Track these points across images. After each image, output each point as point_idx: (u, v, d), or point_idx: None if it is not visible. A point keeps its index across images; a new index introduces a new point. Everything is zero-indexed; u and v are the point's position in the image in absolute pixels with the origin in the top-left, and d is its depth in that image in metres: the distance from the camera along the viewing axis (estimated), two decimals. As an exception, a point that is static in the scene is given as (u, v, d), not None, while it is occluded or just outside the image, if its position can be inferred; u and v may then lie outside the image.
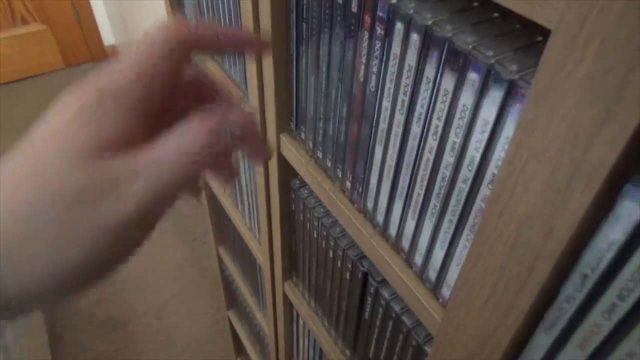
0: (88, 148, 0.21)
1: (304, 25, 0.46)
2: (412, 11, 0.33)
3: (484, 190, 0.32)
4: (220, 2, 0.63)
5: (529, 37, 0.30)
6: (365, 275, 0.53)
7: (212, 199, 1.05)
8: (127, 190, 0.21)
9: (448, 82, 0.32)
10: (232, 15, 0.61)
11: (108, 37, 2.93)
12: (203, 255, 1.98)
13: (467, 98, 0.30)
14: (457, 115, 0.32)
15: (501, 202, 0.29)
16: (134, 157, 0.22)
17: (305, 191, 0.61)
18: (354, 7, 0.38)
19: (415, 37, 0.33)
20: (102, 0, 2.77)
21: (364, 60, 0.39)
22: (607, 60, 0.20)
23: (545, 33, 0.23)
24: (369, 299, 0.54)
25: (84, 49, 2.87)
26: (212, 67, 0.70)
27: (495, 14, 0.32)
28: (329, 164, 0.51)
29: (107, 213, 0.21)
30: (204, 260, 1.95)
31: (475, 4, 0.33)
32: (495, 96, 0.28)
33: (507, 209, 0.28)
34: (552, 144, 0.24)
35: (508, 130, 0.28)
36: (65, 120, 0.22)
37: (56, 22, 2.71)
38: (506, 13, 0.32)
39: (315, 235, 0.62)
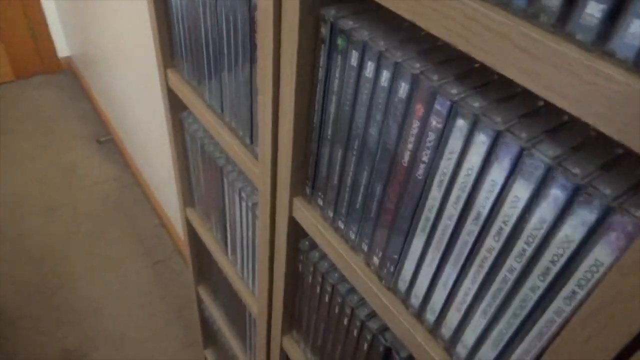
0: None
1: (334, 97, 0.43)
2: (478, 112, 0.30)
3: (559, 303, 0.30)
4: (226, 30, 0.58)
5: (611, 149, 0.28)
6: (389, 350, 0.51)
7: (194, 238, 0.99)
8: None
9: (521, 191, 0.30)
10: (239, 53, 0.57)
11: (63, 48, 2.78)
12: (168, 280, 1.89)
13: (545, 212, 0.29)
14: (531, 226, 0.30)
15: (589, 329, 0.27)
16: None
17: (317, 254, 0.58)
18: (402, 94, 0.35)
19: (483, 139, 0.31)
20: (56, 11, 2.62)
21: (410, 147, 0.37)
22: None
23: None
24: (391, 374, 0.52)
25: (37, 61, 2.70)
26: (208, 116, 0.66)
27: (566, 117, 0.31)
28: (352, 237, 0.49)
29: None
30: (170, 286, 1.86)
31: (541, 103, 0.32)
32: (584, 219, 0.27)
33: (596, 338, 0.27)
34: None
35: (599, 253, 0.27)
36: None
37: (7, 34, 2.53)
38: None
39: (326, 300, 0.59)
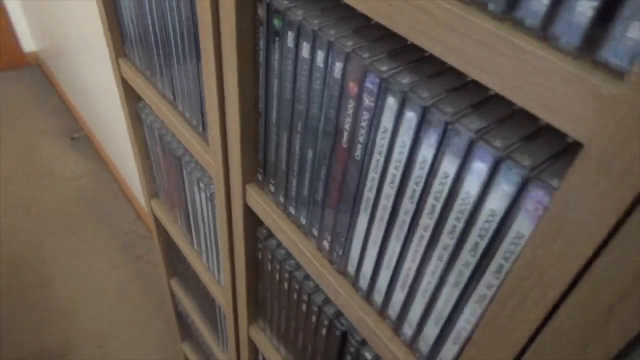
0: None
1: (276, 81, 0.42)
2: (406, 88, 0.30)
3: (490, 279, 0.30)
4: (170, 18, 0.57)
5: (534, 122, 0.28)
6: (345, 333, 0.51)
7: (161, 230, 0.98)
8: None
9: (448, 166, 0.30)
10: (185, 39, 0.55)
11: (28, 43, 2.71)
12: (149, 275, 1.87)
13: (470, 186, 0.29)
14: (459, 201, 0.30)
15: (513, 300, 0.27)
16: None
17: (274, 242, 0.58)
18: (337, 74, 0.35)
19: (411, 115, 0.30)
20: (20, 4, 2.55)
21: (348, 127, 0.36)
22: None
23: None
24: (349, 357, 0.52)
25: (1, 56, 2.63)
26: (161, 106, 0.64)
27: (491, 92, 0.31)
28: (303, 221, 0.48)
29: None
30: (151, 281, 1.85)
31: (469, 79, 0.31)
32: (505, 190, 0.27)
33: (519, 309, 0.27)
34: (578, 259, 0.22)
35: (520, 225, 0.27)
36: None
37: (-31, 29, 2.46)
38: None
39: (285, 287, 0.58)
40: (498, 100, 0.30)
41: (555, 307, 0.24)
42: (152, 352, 1.63)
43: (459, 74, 0.32)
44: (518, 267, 0.26)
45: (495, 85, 0.24)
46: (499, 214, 0.28)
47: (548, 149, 0.26)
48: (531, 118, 0.29)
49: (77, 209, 2.08)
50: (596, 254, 0.22)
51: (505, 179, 0.26)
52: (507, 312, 0.28)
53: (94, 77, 1.83)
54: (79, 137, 2.37)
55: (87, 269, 1.86)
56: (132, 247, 1.97)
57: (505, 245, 0.28)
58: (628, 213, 0.20)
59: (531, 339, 0.27)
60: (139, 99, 0.75)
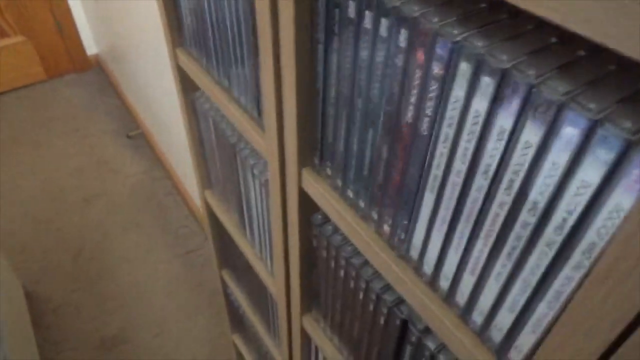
0: None
1: (335, 56, 0.41)
2: (482, 51, 0.28)
3: (578, 258, 0.27)
4: (227, 5, 0.57)
5: (632, 83, 0.25)
6: (405, 322, 0.49)
7: (215, 221, 0.99)
8: None
9: (531, 135, 0.27)
10: (241, 24, 0.55)
11: (90, 46, 2.84)
12: (200, 268, 1.92)
13: (559, 155, 0.26)
14: (545, 172, 0.27)
15: (608, 283, 0.24)
16: None
17: (330, 228, 0.56)
18: (402, 42, 0.33)
19: (487, 81, 0.28)
20: (82, 8, 2.68)
21: (413, 100, 0.34)
22: None
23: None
24: (409, 347, 0.49)
25: (67, 60, 2.77)
26: (217, 93, 0.64)
27: (581, 52, 0.28)
28: (362, 205, 0.46)
29: None
30: (202, 274, 1.89)
31: (553, 39, 0.29)
32: (600, 158, 0.24)
33: (615, 293, 0.24)
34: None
35: (619, 197, 0.24)
36: None
37: (37, 34, 2.61)
38: (593, 52, 0.28)
39: (342, 275, 0.57)
40: (587, 62, 0.27)
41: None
42: (204, 342, 1.67)
43: (538, 36, 0.29)
44: (616, 245, 0.23)
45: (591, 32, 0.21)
46: (593, 185, 0.25)
47: (653, 109, 0.23)
48: (627, 80, 0.25)
49: (135, 204, 2.16)
50: None
51: (603, 145, 0.24)
52: (599, 296, 0.25)
53: (151, 77, 1.90)
54: (136, 135, 2.47)
55: (144, 261, 1.93)
56: (185, 242, 2.02)
57: (600, 220, 0.25)
58: None
59: (630, 328, 0.24)
60: (194, 88, 0.76)
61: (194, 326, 1.73)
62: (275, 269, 0.71)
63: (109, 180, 2.26)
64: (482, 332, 0.37)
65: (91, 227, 2.05)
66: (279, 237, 0.64)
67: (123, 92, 2.59)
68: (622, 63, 0.26)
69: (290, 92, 0.46)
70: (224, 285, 1.14)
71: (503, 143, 0.29)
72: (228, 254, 1.04)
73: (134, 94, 2.38)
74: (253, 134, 0.58)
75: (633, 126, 0.23)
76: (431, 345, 0.46)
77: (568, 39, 0.28)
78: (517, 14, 0.31)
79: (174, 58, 0.71)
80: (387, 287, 0.50)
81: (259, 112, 0.57)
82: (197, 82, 0.69)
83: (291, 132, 0.49)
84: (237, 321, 1.24)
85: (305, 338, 0.76)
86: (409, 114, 0.35)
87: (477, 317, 0.37)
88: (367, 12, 0.35)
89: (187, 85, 0.75)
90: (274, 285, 0.77)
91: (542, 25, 0.30)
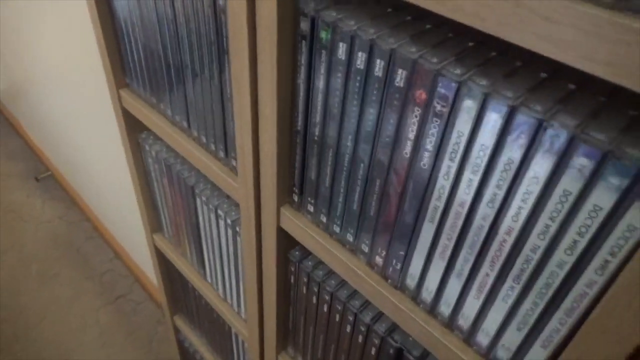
0: None
1: (320, 95, 0.41)
2: (489, 90, 0.30)
3: (591, 275, 0.29)
4: (187, 37, 0.55)
5: (626, 116, 0.28)
6: (400, 351, 0.49)
7: (165, 265, 0.94)
8: None
9: (540, 167, 0.29)
10: (205, 64, 0.53)
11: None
12: (132, 313, 1.79)
13: (570, 184, 0.28)
14: (553, 200, 0.29)
15: (629, 297, 0.26)
16: None
17: (310, 263, 0.56)
18: (399, 82, 0.34)
19: (494, 117, 0.30)
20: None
21: (411, 136, 0.35)
22: None
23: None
24: (404, 375, 0.50)
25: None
26: (172, 133, 0.62)
27: (571, 86, 0.30)
28: (351, 239, 0.47)
29: None
30: (136, 319, 1.76)
31: (544, 75, 0.31)
32: (613, 184, 0.26)
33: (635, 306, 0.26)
34: None
35: (632, 216, 0.26)
36: None
37: None
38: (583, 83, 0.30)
39: (325, 309, 0.56)
40: (581, 94, 0.30)
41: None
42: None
43: (532, 72, 0.31)
44: (634, 262, 0.25)
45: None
46: (605, 208, 0.27)
47: (653, 138, 0.26)
48: (623, 109, 0.28)
49: (51, 253, 1.98)
50: None
51: (614, 172, 0.26)
52: (621, 309, 0.27)
53: (63, 113, 1.76)
54: (45, 177, 2.27)
55: (67, 315, 1.77)
56: (112, 287, 1.89)
57: (612, 240, 0.28)
58: None
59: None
60: (141, 129, 0.72)
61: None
62: (248, 309, 0.68)
63: (18, 230, 2.05)
64: (489, 352, 0.39)
65: (3, 283, 1.84)
66: (252, 277, 0.62)
67: (25, 132, 2.38)
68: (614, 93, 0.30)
69: (269, 133, 0.45)
70: (176, 330, 1.08)
71: (511, 174, 0.31)
72: (181, 298, 0.99)
73: (40, 133, 2.20)
74: (221, 176, 0.56)
75: (641, 154, 0.25)
76: (429, 370, 0.47)
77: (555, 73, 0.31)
78: (506, 51, 0.33)
79: (118, 100, 0.67)
80: (378, 317, 0.50)
81: (226, 152, 0.56)
82: (147, 123, 0.65)
83: (270, 174, 0.48)
84: (191, 367, 1.17)
85: (281, 378, 0.73)
86: (407, 149, 0.36)
87: (483, 338, 0.39)
88: (359, 54, 0.35)
89: (132, 127, 0.71)
90: (244, 326, 0.74)
91: (530, 61, 0.32)
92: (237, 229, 0.62)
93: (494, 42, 0.33)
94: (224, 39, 0.46)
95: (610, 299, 0.27)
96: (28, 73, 1.92)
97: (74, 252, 2.00)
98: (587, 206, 0.28)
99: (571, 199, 0.28)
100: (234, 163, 0.54)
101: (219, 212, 0.64)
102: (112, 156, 1.43)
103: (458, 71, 0.31)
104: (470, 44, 0.34)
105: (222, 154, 0.56)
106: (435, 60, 0.32)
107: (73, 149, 1.87)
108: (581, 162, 0.27)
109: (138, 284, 1.89)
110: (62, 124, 1.84)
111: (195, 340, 1.00)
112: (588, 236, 0.29)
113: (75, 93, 1.52)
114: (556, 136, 0.27)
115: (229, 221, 0.63)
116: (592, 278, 0.30)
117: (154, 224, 0.85)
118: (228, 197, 0.64)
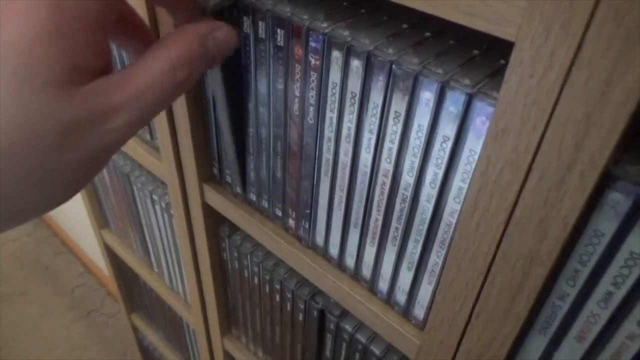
0: (63, 77, 0.18)
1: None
2: (349, 39, 0.32)
3: (452, 205, 0.32)
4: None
5: (468, 53, 0.31)
6: (322, 312, 0.51)
7: (116, 261, 0.94)
8: (112, 126, 0.20)
9: (398, 105, 0.31)
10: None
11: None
12: (105, 326, 1.77)
13: (422, 118, 0.31)
14: (413, 135, 0.32)
15: (477, 214, 0.29)
16: (115, 87, 0.20)
17: (238, 237, 0.57)
18: (280, 41, 0.36)
19: (357, 64, 0.32)
20: None
21: (297, 93, 0.38)
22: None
23: (476, 44, 0.23)
24: (329, 336, 0.52)
25: None
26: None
27: (427, 34, 0.33)
28: (266, 205, 0.49)
29: (90, 150, 0.20)
30: (109, 332, 1.75)
31: (405, 26, 0.34)
32: (452, 112, 0.29)
33: (484, 219, 0.29)
34: (528, 151, 0.24)
35: (471, 143, 0.29)
36: (23, 41, 0.18)
37: None
38: (436, 34, 0.33)
39: (256, 282, 0.58)
40: (433, 40, 0.32)
41: (515, 204, 0.26)
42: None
43: (388, 22, 0.34)
44: (475, 181, 0.28)
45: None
46: (451, 138, 0.30)
47: (485, 70, 0.29)
48: (469, 49, 0.31)
49: (18, 272, 1.95)
50: (540, 143, 0.24)
51: (451, 101, 0.28)
52: (473, 227, 0.29)
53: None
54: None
55: (36, 333, 1.74)
56: (84, 301, 1.86)
57: (462, 166, 0.30)
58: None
59: (498, 244, 0.29)
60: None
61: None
62: (188, 293, 0.69)
63: (-18, 248, 2.01)
64: (389, 298, 0.41)
65: (-33, 307, 1.80)
66: (188, 259, 0.64)
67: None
68: (461, 40, 0.32)
69: (180, 100, 0.47)
70: (135, 330, 1.08)
71: (378, 116, 0.33)
72: (135, 295, 0.99)
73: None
74: (148, 157, 0.58)
75: (472, 82, 0.28)
76: (348, 327, 0.49)
77: (417, 24, 0.34)
78: (377, 8, 0.36)
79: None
80: (301, 283, 0.52)
81: (151, 134, 0.57)
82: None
83: (186, 145, 0.50)
84: (154, 368, 1.16)
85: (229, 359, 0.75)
86: (296, 106, 0.38)
87: (382, 284, 0.41)
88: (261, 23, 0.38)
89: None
90: (190, 312, 0.75)
91: (395, 16, 0.35)
92: (172, 211, 0.63)
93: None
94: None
95: (463, 223, 0.30)
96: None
97: (41, 269, 1.98)
98: (439, 138, 0.30)
99: (424, 131, 0.31)
100: (158, 143, 0.56)
101: (154, 196, 0.65)
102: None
103: (325, 24, 0.33)
104: (344, 3, 0.36)
105: (148, 137, 0.58)
106: (306, 16, 0.34)
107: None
108: (426, 97, 0.30)
109: (110, 297, 1.87)
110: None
111: (152, 337, 1.00)
112: (443, 167, 0.31)
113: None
114: (406, 74, 0.30)
115: (163, 204, 0.64)
116: (453, 207, 0.32)
117: (100, 220, 0.86)
118: (162, 182, 0.66)
